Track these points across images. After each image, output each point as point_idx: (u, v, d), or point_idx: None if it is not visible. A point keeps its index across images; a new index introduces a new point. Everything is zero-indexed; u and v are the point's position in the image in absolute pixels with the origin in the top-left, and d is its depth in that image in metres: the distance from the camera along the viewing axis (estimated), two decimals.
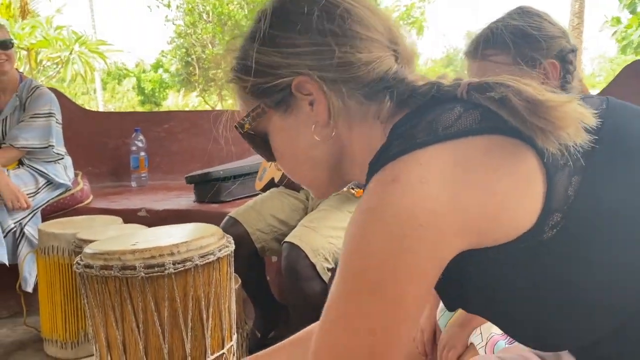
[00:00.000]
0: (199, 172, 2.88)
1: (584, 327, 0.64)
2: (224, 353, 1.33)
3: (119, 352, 1.23)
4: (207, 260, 1.26)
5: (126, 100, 22.34)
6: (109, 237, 1.47)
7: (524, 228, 0.59)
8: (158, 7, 13.55)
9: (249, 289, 2.06)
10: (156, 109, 19.39)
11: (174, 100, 21.08)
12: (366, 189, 0.61)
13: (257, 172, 2.77)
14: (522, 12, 1.17)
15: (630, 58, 14.25)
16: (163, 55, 18.11)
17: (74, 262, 1.30)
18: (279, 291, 2.21)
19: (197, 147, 3.80)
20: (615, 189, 0.60)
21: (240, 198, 2.81)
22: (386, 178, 0.58)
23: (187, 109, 17.12)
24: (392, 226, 0.56)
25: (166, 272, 1.19)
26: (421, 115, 0.62)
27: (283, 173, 2.07)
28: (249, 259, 2.01)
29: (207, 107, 15.69)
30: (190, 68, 15.45)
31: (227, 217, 2.09)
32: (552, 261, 0.60)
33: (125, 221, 2.32)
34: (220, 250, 1.31)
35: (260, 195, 2.22)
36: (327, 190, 0.79)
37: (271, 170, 2.22)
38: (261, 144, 0.77)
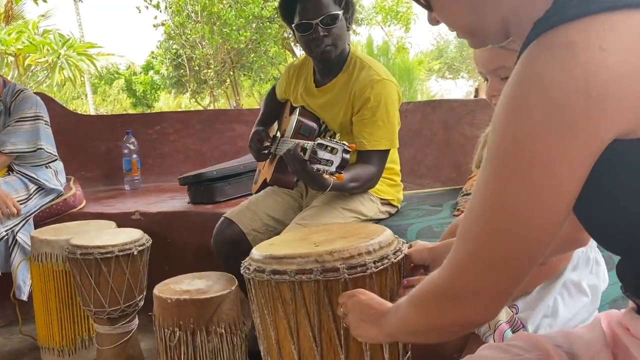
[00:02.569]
0: (192, 173, 2.85)
1: None
2: None
3: None
4: (399, 257, 1.10)
5: (117, 103, 22.21)
6: (267, 243, 1.27)
7: None
8: (147, 7, 13.41)
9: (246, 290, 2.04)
10: (148, 111, 19.30)
11: (166, 102, 20.98)
12: (526, 52, 0.53)
13: (250, 172, 2.75)
14: None
15: None
16: (153, 57, 17.95)
17: (265, 274, 1.11)
18: None
19: (189, 148, 3.77)
20: None
21: (235, 198, 2.79)
22: (557, 41, 0.50)
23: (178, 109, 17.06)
24: (558, 96, 0.49)
25: (368, 271, 1.03)
26: None
27: (274, 173, 2.04)
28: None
29: (199, 108, 15.61)
30: (182, 70, 15.35)
31: (222, 218, 2.07)
32: None
33: (120, 225, 2.29)
34: (404, 245, 1.15)
35: (254, 195, 2.20)
36: (486, 41, 0.68)
37: (264, 172, 2.20)
38: None
